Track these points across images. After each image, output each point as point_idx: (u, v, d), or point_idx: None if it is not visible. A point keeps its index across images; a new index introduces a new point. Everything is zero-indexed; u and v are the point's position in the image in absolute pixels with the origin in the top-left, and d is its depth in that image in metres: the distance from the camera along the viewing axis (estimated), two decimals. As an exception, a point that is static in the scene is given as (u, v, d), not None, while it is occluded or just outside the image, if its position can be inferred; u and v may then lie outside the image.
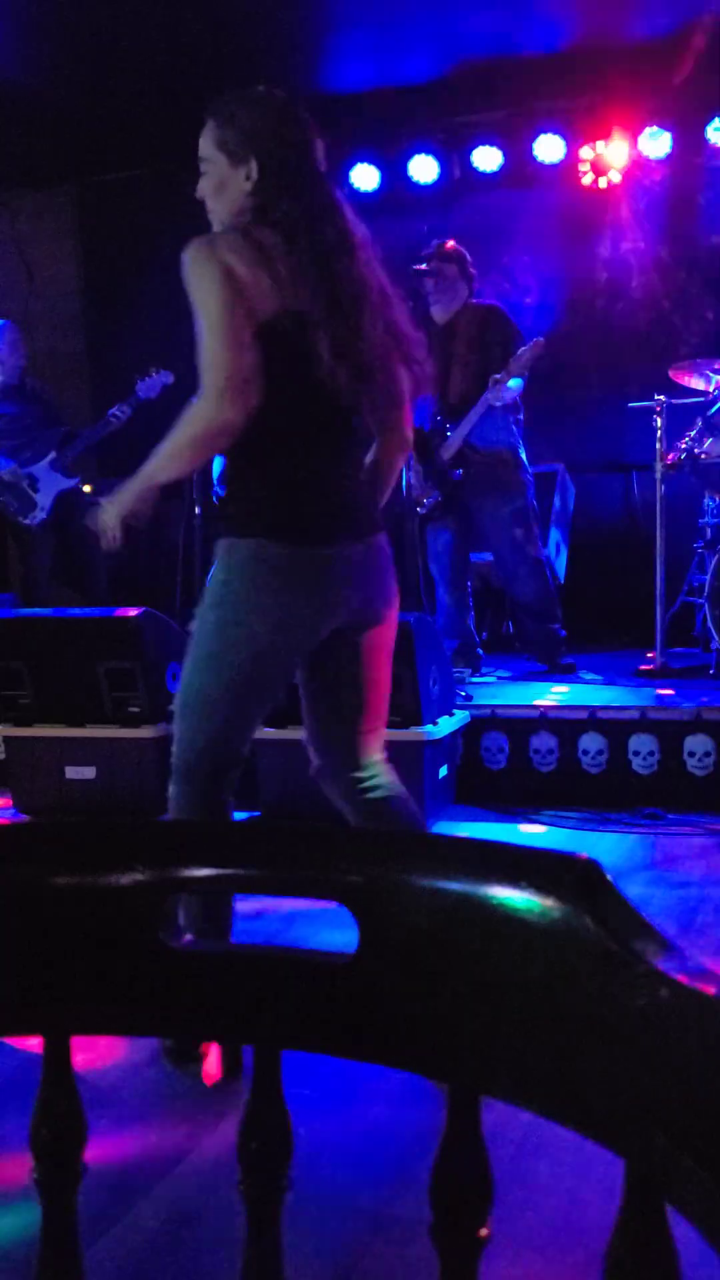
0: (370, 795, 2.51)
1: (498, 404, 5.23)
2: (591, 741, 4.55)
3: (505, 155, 6.99)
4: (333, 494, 2.35)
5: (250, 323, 2.22)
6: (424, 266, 5.13)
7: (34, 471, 5.87)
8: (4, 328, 6.04)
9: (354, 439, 2.43)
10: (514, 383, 5.20)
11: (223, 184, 2.38)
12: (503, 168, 7.01)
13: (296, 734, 4.36)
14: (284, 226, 2.29)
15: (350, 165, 7.16)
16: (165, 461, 2.32)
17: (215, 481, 5.32)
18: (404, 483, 5.15)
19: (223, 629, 2.35)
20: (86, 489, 6.09)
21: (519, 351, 5.19)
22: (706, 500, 5.55)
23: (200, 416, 2.23)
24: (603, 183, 6.87)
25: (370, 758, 2.52)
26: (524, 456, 5.45)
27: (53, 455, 5.91)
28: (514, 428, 5.41)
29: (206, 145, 2.39)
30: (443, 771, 4.47)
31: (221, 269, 2.21)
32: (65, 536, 6.00)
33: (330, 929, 2.91)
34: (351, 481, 2.40)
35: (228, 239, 2.29)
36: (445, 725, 4.38)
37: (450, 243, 5.36)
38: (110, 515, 2.41)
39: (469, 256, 5.36)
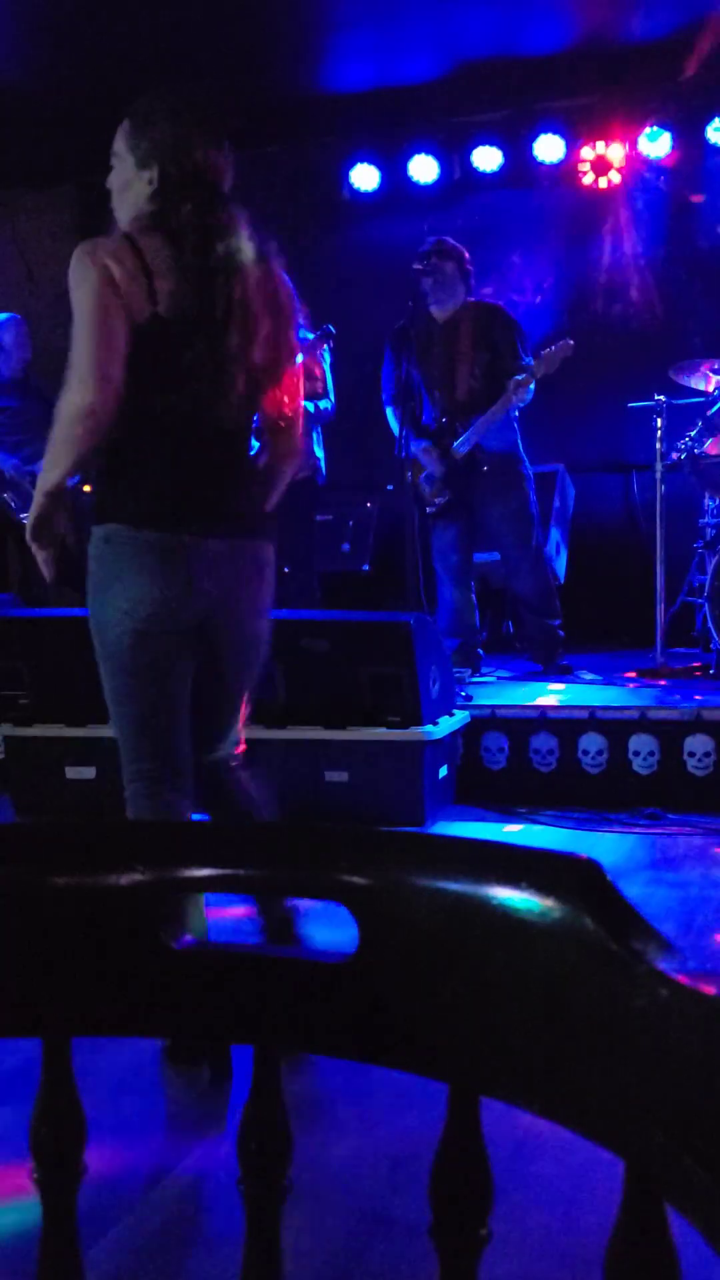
0: (212, 781, 2.58)
1: (521, 405, 5.23)
2: (591, 741, 4.55)
3: (505, 155, 6.98)
4: (193, 489, 2.42)
5: (124, 325, 2.33)
6: (421, 266, 5.13)
7: (36, 469, 5.90)
8: (10, 321, 6.10)
9: (231, 446, 2.50)
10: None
11: (126, 184, 2.49)
12: (503, 168, 7.01)
13: (294, 734, 4.37)
14: (175, 237, 2.39)
15: (350, 165, 7.16)
16: (50, 465, 2.42)
17: None
18: (406, 481, 5.17)
19: (96, 620, 2.45)
20: (86, 489, 6.09)
21: (546, 352, 5.18)
22: (706, 500, 5.55)
23: (67, 407, 2.34)
24: (603, 183, 6.87)
25: (217, 751, 2.60)
26: (522, 452, 5.45)
27: None
28: (516, 426, 5.41)
29: (119, 143, 2.50)
30: (442, 771, 4.47)
31: (100, 272, 2.33)
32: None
33: (330, 929, 2.91)
34: (221, 483, 2.47)
35: (110, 245, 2.40)
36: (445, 725, 4.38)
37: (446, 240, 5.36)
38: (32, 540, 2.47)
39: (466, 253, 5.36)
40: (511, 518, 5.38)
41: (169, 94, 2.50)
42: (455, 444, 5.28)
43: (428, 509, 5.41)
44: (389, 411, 5.40)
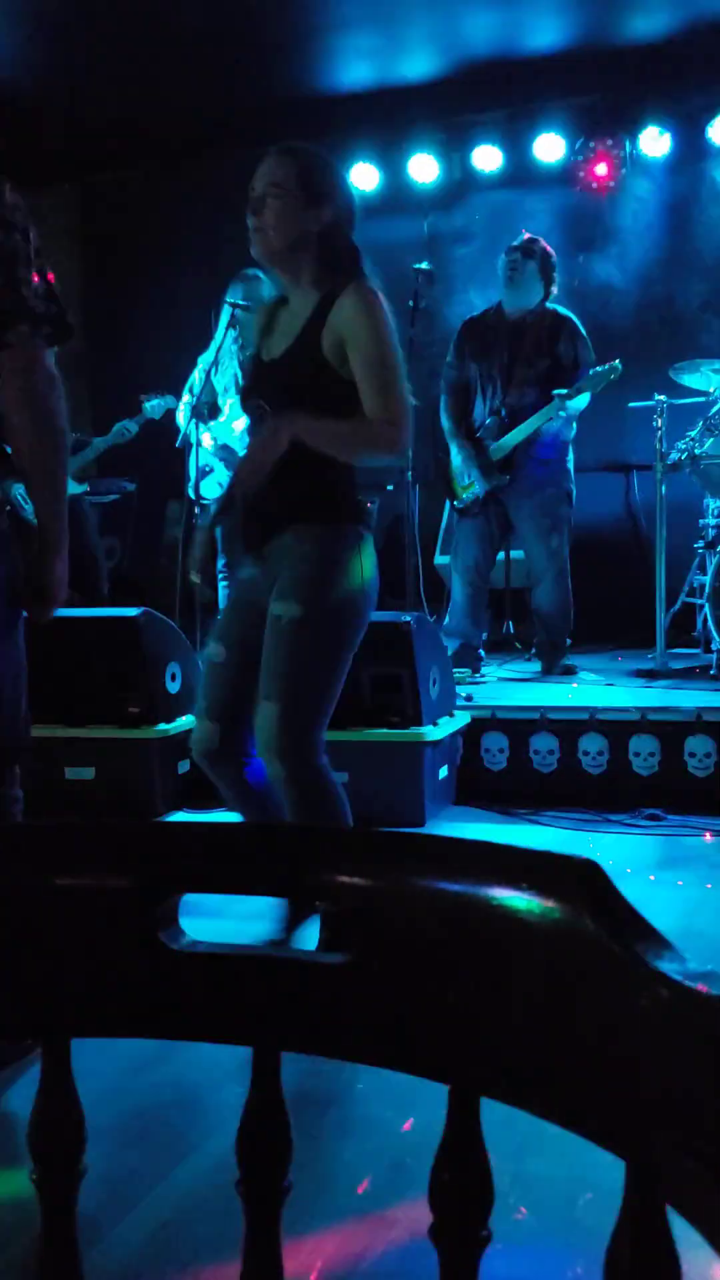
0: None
1: (560, 417, 5.23)
2: (592, 742, 4.55)
3: (505, 155, 6.99)
4: None
5: None
6: (425, 266, 5.15)
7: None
8: None
9: None
10: (583, 399, 5.21)
11: (289, 214, 2.67)
12: (503, 167, 7.01)
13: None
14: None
15: (350, 165, 7.16)
16: (334, 442, 2.64)
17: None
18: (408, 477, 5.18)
19: (350, 603, 2.68)
20: (85, 488, 6.16)
21: (594, 372, 5.18)
22: (707, 501, 5.55)
23: (385, 442, 2.64)
24: (602, 175, 6.87)
25: None
26: (570, 465, 5.43)
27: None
28: (565, 436, 5.39)
29: (285, 175, 2.67)
30: (443, 772, 4.47)
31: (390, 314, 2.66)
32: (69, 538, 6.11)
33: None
34: None
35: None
36: (445, 726, 4.38)
37: (539, 240, 5.36)
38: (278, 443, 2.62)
39: (554, 258, 5.36)
40: (543, 522, 5.35)
41: (316, 146, 2.79)
42: (494, 446, 5.29)
43: (456, 503, 5.43)
44: (442, 400, 5.44)
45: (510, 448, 5.26)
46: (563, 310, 5.45)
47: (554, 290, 5.40)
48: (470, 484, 5.36)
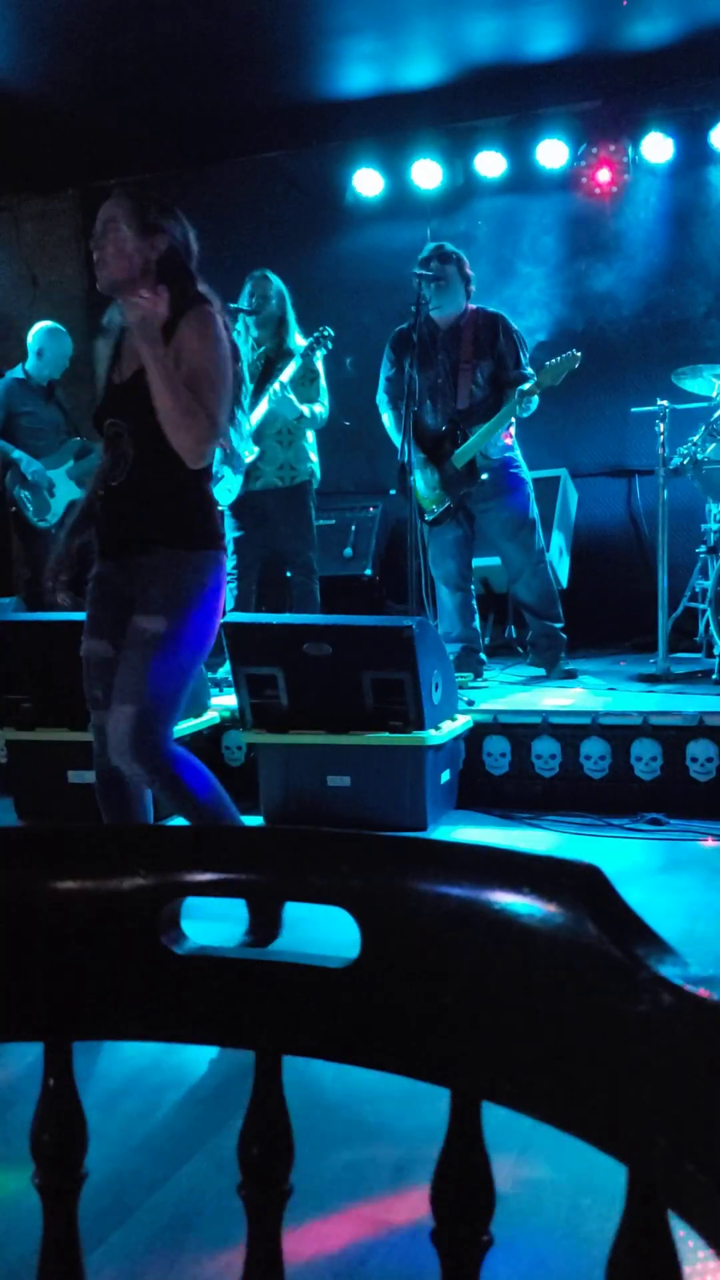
0: None
1: (524, 415, 5.23)
2: (594, 746, 4.55)
3: (508, 160, 6.98)
4: None
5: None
6: (423, 271, 5.14)
7: (53, 476, 6.15)
8: (52, 331, 6.35)
9: None
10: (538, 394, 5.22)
11: (125, 247, 2.87)
12: (506, 173, 7.01)
13: (297, 739, 4.37)
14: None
15: (353, 170, 7.17)
16: (171, 385, 2.82)
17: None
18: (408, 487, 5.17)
19: (204, 618, 2.93)
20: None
21: (551, 364, 5.18)
22: (709, 505, 5.55)
23: (198, 430, 2.84)
24: (605, 186, 6.87)
25: None
26: (520, 457, 5.46)
27: (70, 464, 6.17)
28: (513, 433, 5.42)
29: (122, 212, 2.90)
30: (445, 776, 4.47)
31: (228, 338, 2.90)
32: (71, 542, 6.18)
33: (332, 934, 2.91)
34: None
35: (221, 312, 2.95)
36: (447, 730, 4.38)
37: (446, 245, 5.37)
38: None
39: (466, 259, 5.38)
40: (511, 523, 5.39)
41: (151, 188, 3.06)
42: (455, 453, 5.28)
43: (426, 516, 5.41)
44: (387, 416, 5.41)
45: (474, 453, 5.26)
46: (489, 308, 5.46)
47: (472, 289, 5.40)
48: (439, 495, 5.35)
